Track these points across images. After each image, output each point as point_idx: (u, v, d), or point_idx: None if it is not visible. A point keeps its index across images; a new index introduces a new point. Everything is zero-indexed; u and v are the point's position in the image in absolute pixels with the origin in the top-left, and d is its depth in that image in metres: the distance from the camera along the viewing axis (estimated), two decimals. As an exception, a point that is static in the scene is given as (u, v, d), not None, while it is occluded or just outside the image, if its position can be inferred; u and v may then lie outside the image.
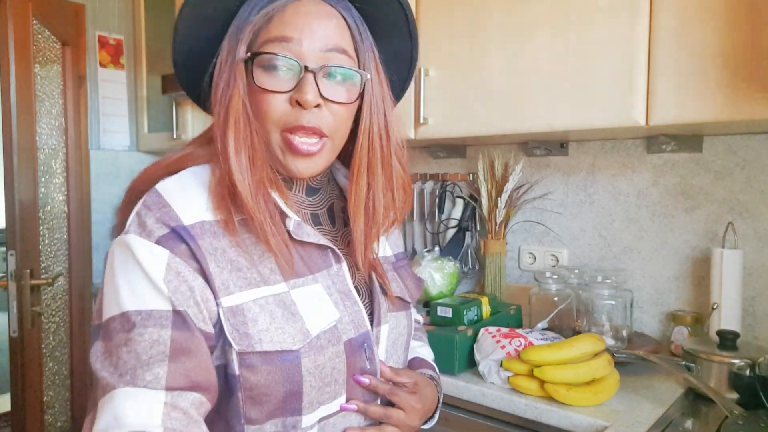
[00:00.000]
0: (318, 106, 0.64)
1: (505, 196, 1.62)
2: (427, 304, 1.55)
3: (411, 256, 1.91)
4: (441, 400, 0.85)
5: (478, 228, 1.79)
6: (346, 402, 0.67)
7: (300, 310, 0.64)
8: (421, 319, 1.04)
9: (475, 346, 1.30)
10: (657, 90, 1.15)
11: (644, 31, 1.17)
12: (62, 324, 2.13)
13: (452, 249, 1.80)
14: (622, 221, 1.56)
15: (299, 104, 0.63)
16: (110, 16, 2.43)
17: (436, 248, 1.80)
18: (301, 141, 0.65)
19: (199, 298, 0.59)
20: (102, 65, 2.40)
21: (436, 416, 0.84)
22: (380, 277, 0.75)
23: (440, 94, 1.48)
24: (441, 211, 1.86)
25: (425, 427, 0.82)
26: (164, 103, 2.29)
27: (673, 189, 1.47)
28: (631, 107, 1.18)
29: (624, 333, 1.39)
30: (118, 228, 0.65)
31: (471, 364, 1.30)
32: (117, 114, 2.46)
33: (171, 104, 2.23)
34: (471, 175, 1.80)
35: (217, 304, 0.60)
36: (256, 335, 0.60)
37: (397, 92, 0.80)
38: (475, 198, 1.76)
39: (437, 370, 0.90)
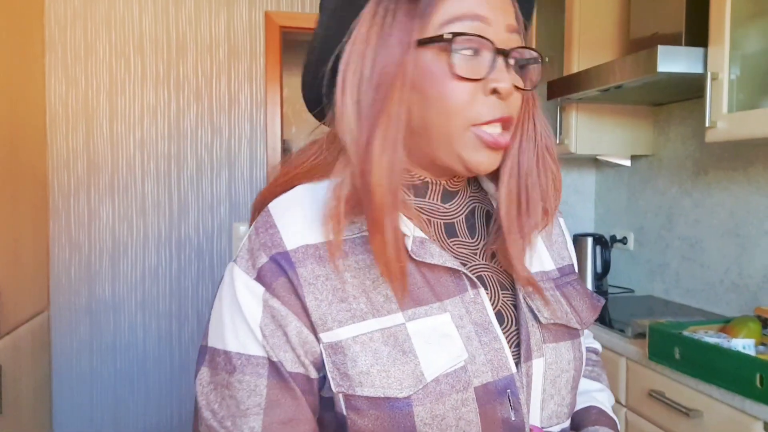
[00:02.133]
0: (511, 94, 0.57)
1: None
2: None
3: None
4: None
5: None
6: None
7: (416, 347, 0.54)
8: (598, 346, 0.83)
9: None
10: None
11: None
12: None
13: None
14: None
15: (495, 93, 0.55)
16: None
17: None
18: (492, 131, 0.57)
19: (295, 341, 0.55)
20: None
21: None
22: (529, 298, 0.62)
23: None
24: None
25: None
26: (549, 108, 2.30)
27: None
28: None
29: None
30: None
31: None
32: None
33: (556, 109, 2.22)
34: None
35: (318, 340, 0.55)
36: (356, 377, 0.53)
37: None
38: None
39: (619, 428, 0.71)
